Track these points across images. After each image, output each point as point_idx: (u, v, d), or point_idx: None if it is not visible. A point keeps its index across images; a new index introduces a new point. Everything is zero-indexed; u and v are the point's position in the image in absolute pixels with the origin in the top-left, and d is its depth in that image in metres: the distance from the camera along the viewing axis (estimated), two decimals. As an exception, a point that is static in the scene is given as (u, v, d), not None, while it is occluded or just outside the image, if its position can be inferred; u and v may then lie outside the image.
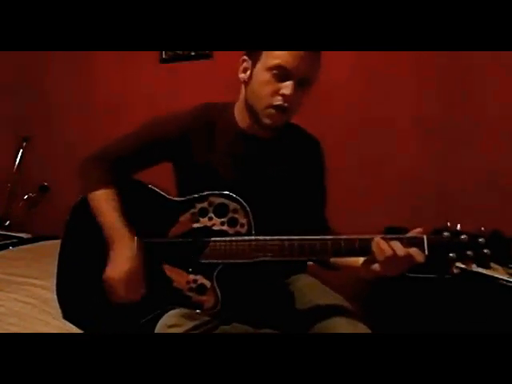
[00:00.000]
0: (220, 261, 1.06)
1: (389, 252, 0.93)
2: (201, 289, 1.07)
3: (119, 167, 1.17)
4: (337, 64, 1.90)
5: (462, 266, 0.95)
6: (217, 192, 1.09)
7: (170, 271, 1.10)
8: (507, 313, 1.37)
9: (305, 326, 1.09)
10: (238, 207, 1.07)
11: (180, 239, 1.11)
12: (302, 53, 1.03)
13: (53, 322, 1.22)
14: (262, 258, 1.03)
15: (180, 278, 1.09)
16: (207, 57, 2.34)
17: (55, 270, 1.25)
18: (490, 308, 1.41)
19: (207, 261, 1.07)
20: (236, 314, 1.10)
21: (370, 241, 0.96)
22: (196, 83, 2.36)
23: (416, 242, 0.95)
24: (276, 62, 1.04)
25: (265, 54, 1.06)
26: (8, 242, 2.17)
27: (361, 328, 1.05)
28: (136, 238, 1.09)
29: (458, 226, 0.95)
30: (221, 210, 1.08)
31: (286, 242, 1.02)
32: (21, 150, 2.78)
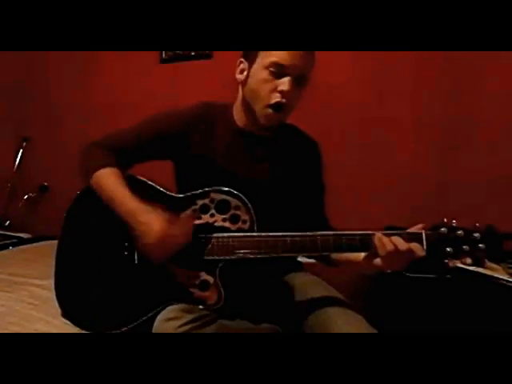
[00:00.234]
0: (222, 257, 1.07)
1: (390, 247, 0.96)
2: (204, 285, 1.07)
3: (119, 156, 1.17)
4: (337, 64, 1.90)
5: (460, 264, 0.99)
6: (218, 188, 1.10)
7: (172, 267, 1.10)
8: (507, 312, 1.37)
9: (300, 318, 1.11)
10: (240, 204, 1.08)
11: None
12: (297, 51, 1.05)
13: (53, 321, 1.22)
14: (264, 255, 1.04)
15: (182, 273, 1.09)
16: (207, 57, 2.34)
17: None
18: (490, 308, 1.41)
19: (210, 257, 1.07)
20: (237, 309, 1.11)
21: (371, 236, 0.99)
22: (196, 83, 2.36)
23: (415, 238, 0.98)
24: (272, 59, 1.06)
25: (261, 53, 1.09)
26: (8, 241, 2.18)
27: (355, 318, 1.06)
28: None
29: (454, 222, 1.00)
30: (223, 207, 1.09)
31: (288, 238, 1.03)
32: (21, 150, 2.78)
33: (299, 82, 1.08)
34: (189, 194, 1.13)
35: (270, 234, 1.05)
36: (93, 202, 1.16)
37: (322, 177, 1.29)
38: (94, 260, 1.16)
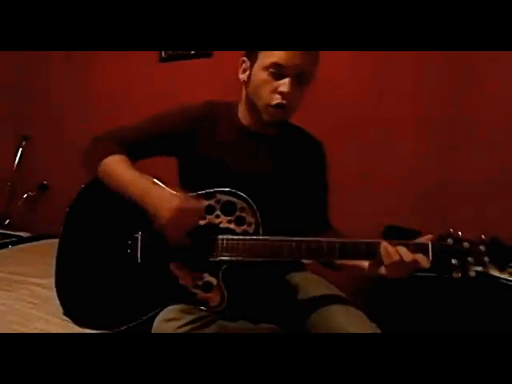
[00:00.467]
0: (227, 259, 1.06)
1: (396, 257, 0.96)
2: (207, 286, 1.07)
3: (124, 151, 1.16)
4: (337, 64, 1.90)
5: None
6: (224, 189, 1.09)
7: (175, 267, 1.10)
8: (507, 312, 1.37)
9: (303, 316, 1.11)
10: (246, 206, 1.08)
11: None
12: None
13: (53, 320, 1.22)
14: (269, 258, 1.04)
15: (185, 274, 1.09)
16: (207, 55, 2.34)
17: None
18: (490, 307, 1.41)
19: (214, 258, 1.07)
20: (239, 310, 1.11)
21: (376, 245, 0.99)
22: (195, 82, 2.36)
23: (421, 248, 0.98)
24: (272, 60, 1.06)
25: (261, 53, 1.09)
26: (8, 240, 2.17)
27: (357, 315, 1.07)
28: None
29: (460, 233, 1.00)
30: (228, 208, 1.09)
31: (294, 243, 1.03)
32: (20, 149, 2.78)
33: (300, 80, 1.08)
34: (194, 193, 1.12)
35: (276, 238, 1.04)
36: (95, 199, 1.16)
37: (325, 177, 1.29)
38: (95, 258, 1.16)
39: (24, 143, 2.78)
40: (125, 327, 1.09)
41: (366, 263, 1.05)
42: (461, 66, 1.81)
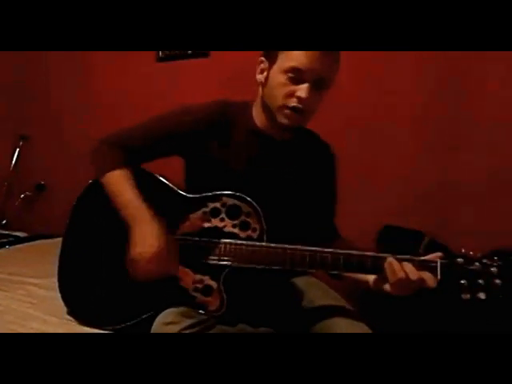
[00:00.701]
0: (229, 263, 1.05)
1: (401, 274, 0.93)
2: (206, 290, 1.06)
3: (130, 155, 1.15)
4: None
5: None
6: (231, 193, 1.07)
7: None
8: (507, 312, 1.37)
9: (306, 326, 1.09)
10: (251, 211, 1.06)
11: (190, 238, 1.09)
12: (317, 55, 1.02)
13: (50, 319, 1.21)
14: (272, 266, 1.03)
15: (186, 277, 1.07)
16: (204, 55, 2.33)
17: (52, 269, 1.24)
18: (489, 308, 1.41)
19: (216, 262, 1.06)
20: (238, 315, 1.10)
21: (382, 259, 0.97)
22: (193, 81, 2.36)
23: (429, 266, 0.95)
24: (292, 64, 1.03)
25: (281, 56, 1.06)
26: (5, 240, 2.16)
27: (361, 328, 1.05)
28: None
29: (471, 253, 0.96)
30: (233, 212, 1.07)
31: (297, 251, 1.01)
32: (18, 149, 2.77)
33: (319, 86, 1.05)
34: (200, 195, 1.10)
35: (279, 245, 1.02)
36: (98, 199, 1.15)
37: (335, 186, 1.26)
38: (98, 257, 1.16)
39: (21, 143, 2.77)
40: (124, 325, 1.09)
41: (371, 277, 1.03)
42: (461, 66, 1.81)
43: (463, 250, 0.96)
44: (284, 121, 1.07)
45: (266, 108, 1.11)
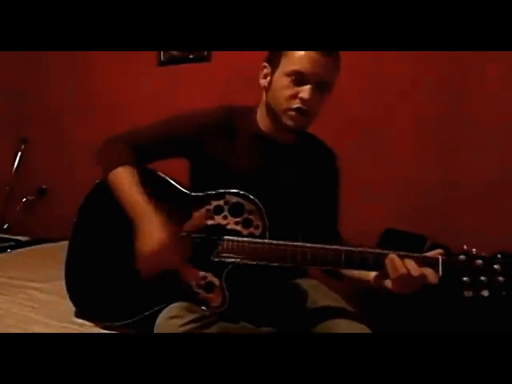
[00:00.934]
0: (231, 260, 1.06)
1: (402, 270, 0.93)
2: (209, 286, 1.07)
3: (136, 153, 1.16)
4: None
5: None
6: (234, 191, 1.09)
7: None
8: (507, 313, 1.36)
9: (307, 327, 1.10)
10: (254, 208, 1.07)
11: (194, 235, 1.10)
12: (319, 58, 1.05)
13: (52, 323, 1.21)
14: (273, 263, 1.04)
15: (189, 273, 1.09)
16: (205, 59, 2.34)
17: (54, 273, 1.25)
18: (489, 309, 1.41)
19: (218, 259, 1.07)
20: (241, 313, 1.10)
21: (384, 256, 0.97)
22: (194, 85, 2.36)
23: (431, 263, 0.95)
24: (294, 67, 1.06)
25: (283, 60, 1.09)
26: (6, 244, 2.17)
27: (362, 329, 1.05)
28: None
29: (474, 250, 0.95)
30: (236, 210, 1.09)
31: (299, 248, 1.02)
32: (19, 153, 2.78)
33: (321, 88, 1.08)
34: (204, 193, 1.12)
35: (281, 242, 1.04)
36: (104, 199, 1.18)
37: (338, 189, 1.28)
38: (105, 256, 1.18)
39: (23, 146, 2.77)
40: (129, 321, 1.11)
41: (371, 276, 1.03)
42: (461, 66, 1.81)
43: (465, 247, 0.96)
44: (289, 122, 1.10)
45: (271, 111, 1.14)
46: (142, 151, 1.16)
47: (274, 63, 1.12)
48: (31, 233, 2.55)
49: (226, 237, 1.08)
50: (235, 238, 1.07)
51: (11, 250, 2.06)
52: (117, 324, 1.13)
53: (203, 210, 1.11)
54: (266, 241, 1.05)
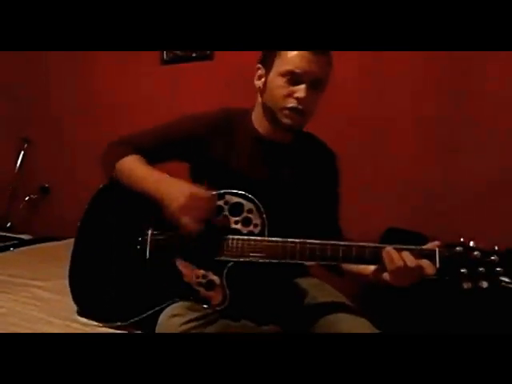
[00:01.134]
0: (231, 258, 1.07)
1: (399, 262, 0.94)
2: (210, 284, 1.08)
3: (139, 154, 1.19)
4: (336, 64, 1.90)
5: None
6: (233, 191, 1.11)
7: (181, 264, 1.11)
8: (507, 313, 1.37)
9: (308, 322, 1.11)
10: (253, 208, 1.09)
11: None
12: (312, 57, 1.07)
13: (55, 321, 1.22)
14: (273, 260, 1.05)
15: (190, 272, 1.10)
16: (208, 58, 2.34)
17: (56, 271, 1.25)
18: (490, 308, 1.41)
19: (219, 257, 1.08)
20: (241, 311, 1.11)
21: (381, 249, 0.98)
22: (197, 84, 2.37)
23: (428, 255, 0.95)
24: (287, 68, 1.08)
25: (277, 61, 1.10)
26: (9, 243, 2.17)
27: (363, 323, 1.07)
28: None
29: (472, 243, 0.95)
30: (236, 209, 1.10)
31: (298, 244, 1.04)
32: (22, 152, 2.79)
33: (315, 86, 1.10)
34: None
35: (280, 239, 1.05)
36: (108, 201, 1.21)
37: (337, 187, 1.29)
38: (108, 256, 1.19)
39: (25, 146, 2.79)
40: (132, 321, 1.12)
41: (370, 269, 1.04)
42: (460, 66, 1.81)
43: (462, 239, 0.96)
44: (287, 121, 1.11)
45: (268, 111, 1.15)
46: (145, 153, 1.18)
47: (267, 64, 1.13)
48: (34, 231, 2.56)
49: (225, 235, 1.09)
50: (234, 237, 1.08)
51: (14, 248, 2.06)
52: (119, 324, 1.14)
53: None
54: (265, 238, 1.07)
